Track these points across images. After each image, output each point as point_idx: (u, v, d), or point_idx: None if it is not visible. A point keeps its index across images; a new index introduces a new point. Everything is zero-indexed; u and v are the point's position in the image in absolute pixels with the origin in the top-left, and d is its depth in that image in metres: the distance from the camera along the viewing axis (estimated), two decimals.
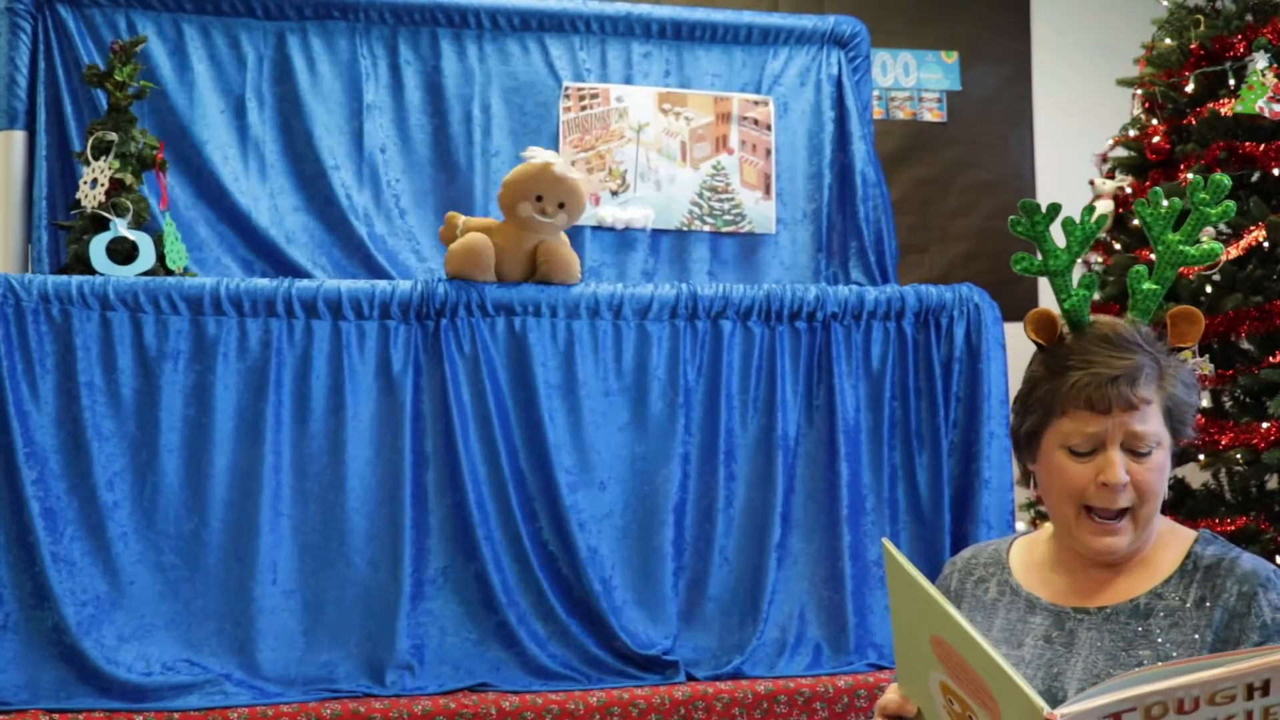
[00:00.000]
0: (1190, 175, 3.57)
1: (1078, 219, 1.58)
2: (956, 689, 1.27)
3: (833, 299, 3.33)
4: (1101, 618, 1.49)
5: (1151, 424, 1.47)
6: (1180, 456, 1.57)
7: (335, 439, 3.07)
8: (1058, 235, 1.61)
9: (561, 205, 3.18)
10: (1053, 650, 1.49)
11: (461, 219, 3.27)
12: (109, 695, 2.83)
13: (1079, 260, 1.60)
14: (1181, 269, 1.67)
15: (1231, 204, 1.59)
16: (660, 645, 3.14)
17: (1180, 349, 1.54)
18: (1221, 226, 3.54)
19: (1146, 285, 1.56)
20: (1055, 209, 1.60)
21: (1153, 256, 1.59)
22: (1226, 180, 1.58)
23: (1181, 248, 1.58)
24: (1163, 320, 1.55)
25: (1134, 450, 1.47)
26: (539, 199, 3.16)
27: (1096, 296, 1.65)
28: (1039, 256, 1.59)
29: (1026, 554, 1.63)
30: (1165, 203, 1.59)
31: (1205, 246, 1.58)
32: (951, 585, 1.65)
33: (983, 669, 1.21)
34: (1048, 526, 1.63)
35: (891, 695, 1.47)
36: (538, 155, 3.18)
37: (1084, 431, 1.47)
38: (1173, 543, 1.54)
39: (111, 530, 2.94)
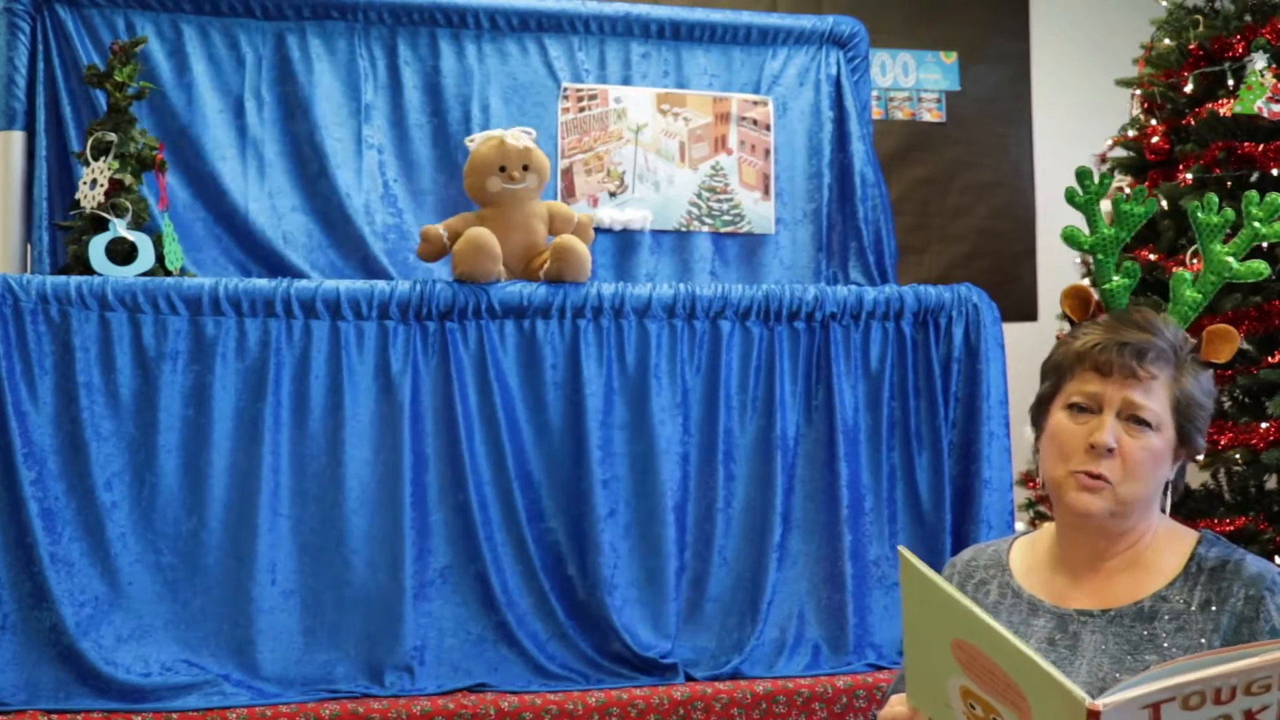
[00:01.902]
0: (1189, 175, 3.58)
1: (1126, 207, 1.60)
2: (979, 692, 1.26)
3: (831, 299, 3.33)
4: (1106, 620, 1.49)
5: (1153, 401, 1.47)
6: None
7: (334, 439, 3.07)
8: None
9: (526, 168, 3.25)
10: (1056, 653, 1.49)
11: (439, 227, 3.27)
12: (107, 696, 2.82)
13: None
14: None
15: None
16: (659, 646, 3.14)
17: (1211, 365, 1.54)
18: None
19: (1190, 292, 1.57)
20: (1107, 180, 1.61)
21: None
22: None
23: (1228, 259, 1.58)
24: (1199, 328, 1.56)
25: (1131, 418, 1.47)
26: (502, 170, 3.23)
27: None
28: (1088, 232, 1.60)
29: (1028, 555, 1.63)
30: (1219, 214, 1.59)
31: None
32: None
33: (1012, 668, 1.20)
34: (1048, 526, 1.63)
35: (899, 709, 1.44)
36: (485, 136, 3.29)
37: (1084, 390, 1.50)
38: (1174, 544, 1.53)
39: (110, 531, 2.93)
